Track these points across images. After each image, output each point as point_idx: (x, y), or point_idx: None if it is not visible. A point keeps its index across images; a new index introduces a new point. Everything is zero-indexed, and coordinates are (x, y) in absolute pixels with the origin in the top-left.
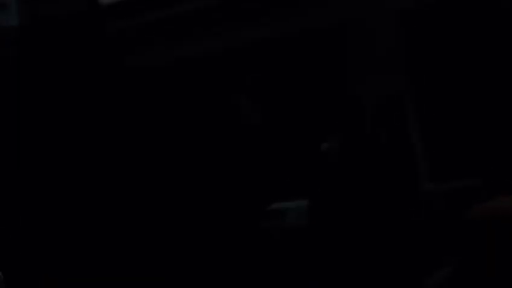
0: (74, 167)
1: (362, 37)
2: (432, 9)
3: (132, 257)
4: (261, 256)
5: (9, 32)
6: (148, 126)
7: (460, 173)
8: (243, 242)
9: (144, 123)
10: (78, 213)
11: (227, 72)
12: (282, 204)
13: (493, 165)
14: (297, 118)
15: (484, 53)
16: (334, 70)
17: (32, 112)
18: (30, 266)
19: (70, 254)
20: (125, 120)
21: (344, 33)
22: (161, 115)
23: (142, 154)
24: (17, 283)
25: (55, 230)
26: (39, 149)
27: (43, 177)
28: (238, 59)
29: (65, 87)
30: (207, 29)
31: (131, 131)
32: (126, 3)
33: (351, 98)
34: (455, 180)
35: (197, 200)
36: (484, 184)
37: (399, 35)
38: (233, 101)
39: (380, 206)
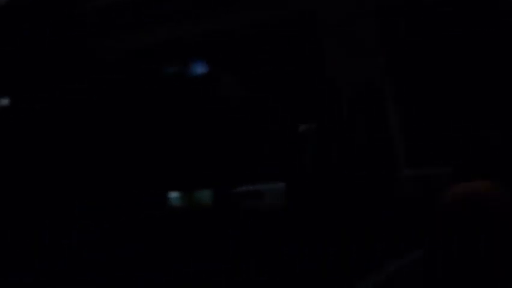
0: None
1: (340, 22)
2: None
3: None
4: (238, 236)
5: None
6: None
7: (437, 160)
8: (221, 221)
9: (119, 103)
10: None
11: (212, 54)
12: (259, 185)
13: (467, 152)
14: (276, 102)
15: (462, 42)
16: (312, 54)
17: None
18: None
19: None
20: (101, 106)
21: (318, 17)
22: (139, 91)
23: (121, 131)
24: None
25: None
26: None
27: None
28: (220, 43)
29: (27, 71)
30: (188, 11)
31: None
32: None
33: (328, 82)
34: (432, 167)
35: (170, 176)
36: (457, 170)
37: (377, 20)
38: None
39: (356, 189)
